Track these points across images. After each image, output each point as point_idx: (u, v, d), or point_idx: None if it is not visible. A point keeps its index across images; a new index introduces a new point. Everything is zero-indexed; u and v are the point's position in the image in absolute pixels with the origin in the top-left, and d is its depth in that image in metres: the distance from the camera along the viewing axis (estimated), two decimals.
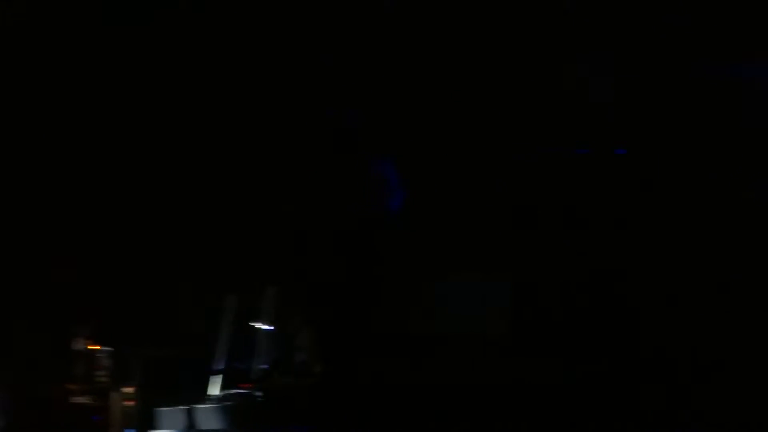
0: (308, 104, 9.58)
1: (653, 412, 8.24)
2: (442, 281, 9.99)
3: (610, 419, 8.25)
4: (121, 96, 9.70)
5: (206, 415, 9.43)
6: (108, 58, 9.41)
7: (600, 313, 9.31)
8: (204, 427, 9.37)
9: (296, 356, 11.25)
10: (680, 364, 8.61)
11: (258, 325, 10.57)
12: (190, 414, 9.60)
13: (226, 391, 10.05)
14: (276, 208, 10.15)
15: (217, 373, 10.16)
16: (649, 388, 8.50)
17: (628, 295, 9.24)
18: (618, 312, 9.22)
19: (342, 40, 9.09)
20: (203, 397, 9.96)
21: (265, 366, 10.48)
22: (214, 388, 10.05)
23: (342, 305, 10.03)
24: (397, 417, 8.64)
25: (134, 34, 9.19)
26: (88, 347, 10.82)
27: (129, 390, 10.19)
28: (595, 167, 9.58)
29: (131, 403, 10.14)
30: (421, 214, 10.13)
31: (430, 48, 9.12)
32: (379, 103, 9.48)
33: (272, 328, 10.67)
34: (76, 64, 9.41)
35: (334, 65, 9.19)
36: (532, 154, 9.69)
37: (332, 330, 10.03)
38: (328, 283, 9.87)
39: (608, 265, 9.51)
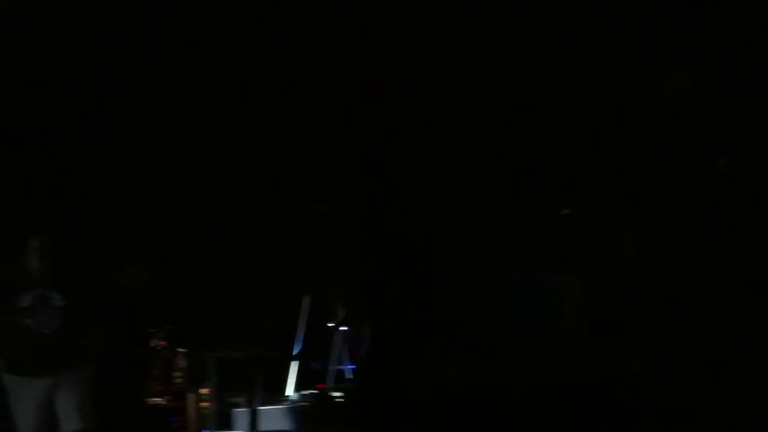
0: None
1: (733, 410, 8.12)
2: (516, 280, 9.95)
3: (686, 415, 8.13)
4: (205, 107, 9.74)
5: (282, 415, 9.43)
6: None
7: (675, 310, 9.21)
8: (279, 427, 9.37)
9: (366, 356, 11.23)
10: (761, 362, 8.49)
11: (333, 326, 10.56)
12: (265, 415, 9.60)
13: (302, 392, 10.05)
14: (348, 210, 10.14)
15: (293, 373, 10.15)
16: (729, 386, 8.38)
17: (702, 293, 9.14)
18: (693, 310, 9.12)
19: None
20: (279, 398, 9.96)
21: (341, 366, 10.48)
22: (290, 389, 10.04)
23: (416, 305, 10.00)
24: (473, 418, 8.59)
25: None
26: (165, 348, 10.85)
27: (205, 391, 10.19)
28: (667, 169, 9.49)
29: (207, 404, 10.14)
30: (496, 213, 10.09)
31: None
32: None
33: (347, 328, 10.65)
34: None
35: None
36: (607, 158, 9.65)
37: (406, 331, 10.01)
38: (401, 283, 9.83)
39: (681, 263, 9.42)
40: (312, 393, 10.17)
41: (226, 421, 9.86)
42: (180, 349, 10.67)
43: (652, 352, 8.80)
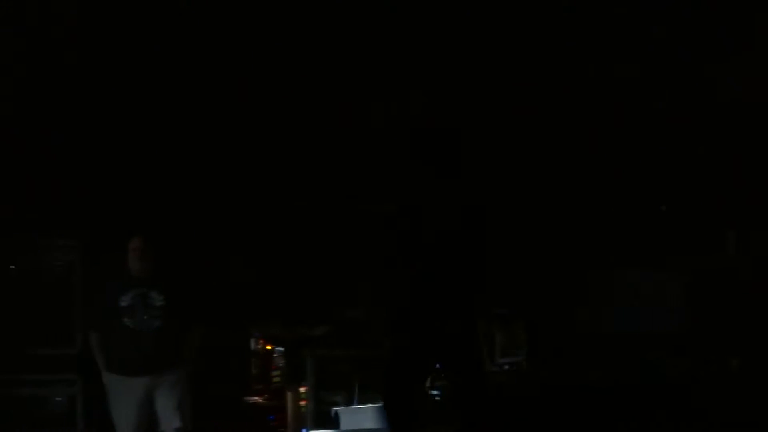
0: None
1: None
2: (616, 278, 9.85)
3: None
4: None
5: (380, 414, 9.40)
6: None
7: None
8: (378, 425, 9.35)
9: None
10: None
11: None
12: (363, 413, 9.59)
13: None
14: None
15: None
16: None
17: None
18: None
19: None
20: (377, 396, 9.95)
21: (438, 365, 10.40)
22: None
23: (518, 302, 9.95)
24: (570, 416, 8.51)
25: None
26: (264, 347, 10.92)
27: (303, 390, 10.23)
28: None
29: (305, 402, 10.17)
30: (597, 211, 9.99)
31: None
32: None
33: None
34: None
35: None
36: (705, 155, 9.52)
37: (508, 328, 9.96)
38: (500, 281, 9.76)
39: None
40: None
41: (324, 419, 9.88)
42: (278, 348, 10.75)
43: (751, 352, 8.67)
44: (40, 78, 8.68)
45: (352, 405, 9.83)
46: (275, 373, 10.89)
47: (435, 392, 10.00)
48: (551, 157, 9.70)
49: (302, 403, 10.22)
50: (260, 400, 10.67)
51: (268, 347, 11.00)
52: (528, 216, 9.91)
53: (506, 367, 10.03)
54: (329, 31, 8.39)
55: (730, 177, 9.43)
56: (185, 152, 10.02)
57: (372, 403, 9.77)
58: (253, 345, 10.79)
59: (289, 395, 10.30)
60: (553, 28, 8.38)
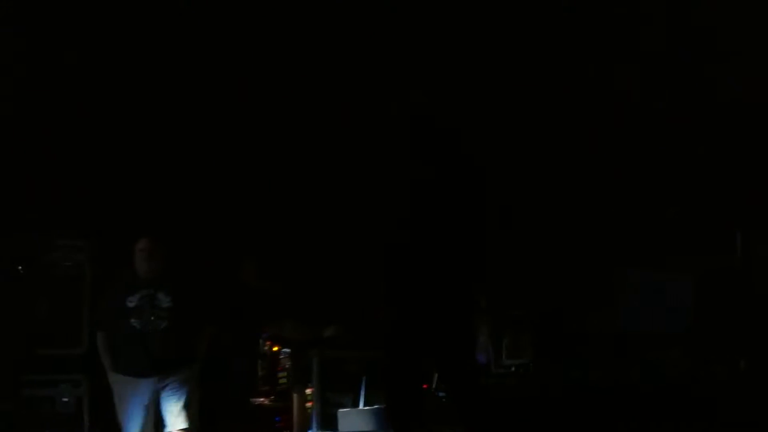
0: None
1: None
2: (627, 279, 9.84)
3: None
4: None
5: (379, 416, 9.40)
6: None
7: None
8: (385, 427, 9.35)
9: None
10: None
11: None
12: (370, 415, 9.59)
13: None
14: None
15: None
16: None
17: None
18: None
19: None
20: (384, 398, 9.93)
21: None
22: None
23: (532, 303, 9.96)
24: (580, 417, 8.50)
25: None
26: (271, 348, 10.91)
27: (309, 391, 10.21)
28: None
29: (311, 404, 10.15)
30: (609, 210, 9.99)
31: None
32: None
33: None
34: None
35: None
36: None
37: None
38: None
39: None
40: None
41: (331, 421, 9.87)
42: (285, 350, 10.73)
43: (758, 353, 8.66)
44: (43, 78, 8.74)
45: (358, 407, 9.82)
46: (281, 374, 10.87)
47: (441, 393, 10.01)
48: (553, 157, 9.71)
49: (308, 404, 10.21)
50: (266, 402, 10.66)
51: (275, 348, 10.98)
52: (535, 217, 9.92)
53: (513, 369, 10.03)
54: (329, 31, 8.41)
55: (734, 177, 9.42)
56: (192, 153, 10.07)
57: (379, 404, 9.77)
58: (260, 346, 10.78)
59: (296, 397, 10.29)
60: (553, 28, 8.39)
